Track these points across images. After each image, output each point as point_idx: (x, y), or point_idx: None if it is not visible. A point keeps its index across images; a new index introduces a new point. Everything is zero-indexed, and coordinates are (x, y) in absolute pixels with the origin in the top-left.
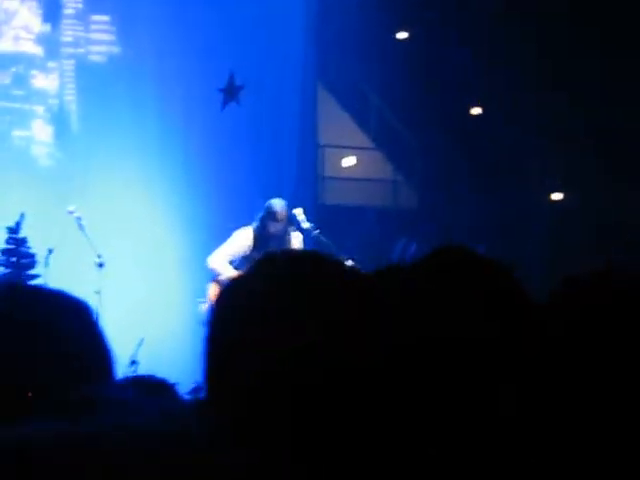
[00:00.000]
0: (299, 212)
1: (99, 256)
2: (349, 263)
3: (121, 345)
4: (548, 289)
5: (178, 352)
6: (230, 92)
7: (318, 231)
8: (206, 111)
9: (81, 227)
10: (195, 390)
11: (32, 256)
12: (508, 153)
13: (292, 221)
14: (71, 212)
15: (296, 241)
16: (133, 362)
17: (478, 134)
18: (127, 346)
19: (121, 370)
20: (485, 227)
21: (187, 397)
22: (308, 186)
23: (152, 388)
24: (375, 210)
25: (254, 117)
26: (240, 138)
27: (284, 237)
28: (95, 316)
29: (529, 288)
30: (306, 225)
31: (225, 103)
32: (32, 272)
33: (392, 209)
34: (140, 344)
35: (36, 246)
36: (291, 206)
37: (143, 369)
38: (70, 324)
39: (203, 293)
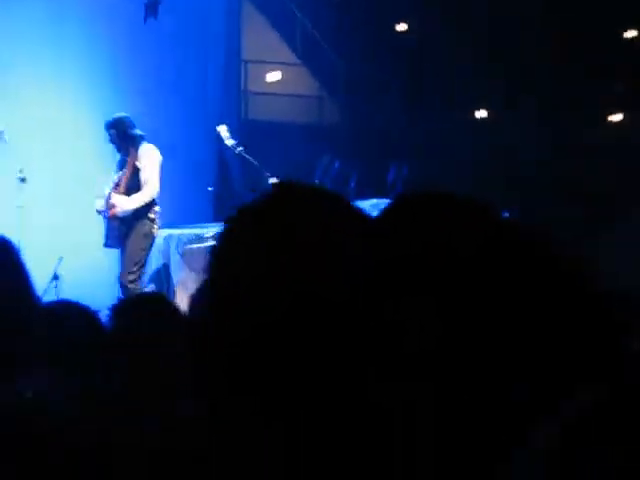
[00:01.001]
0: (223, 129)
1: (21, 170)
2: (272, 180)
3: (42, 261)
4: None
5: (97, 268)
6: (152, 7)
7: (242, 148)
8: (131, 27)
9: (3, 141)
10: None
11: None
12: (435, 72)
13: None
14: None
15: (145, 154)
16: (55, 277)
17: (405, 52)
18: (48, 262)
19: (43, 285)
20: (408, 145)
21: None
22: (232, 102)
23: (75, 314)
24: (299, 126)
25: (179, 33)
26: (165, 54)
27: (123, 152)
28: (16, 250)
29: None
30: (230, 142)
31: (147, 17)
32: None
33: (316, 125)
34: (60, 261)
35: None
36: (216, 122)
37: (63, 284)
38: None
39: None
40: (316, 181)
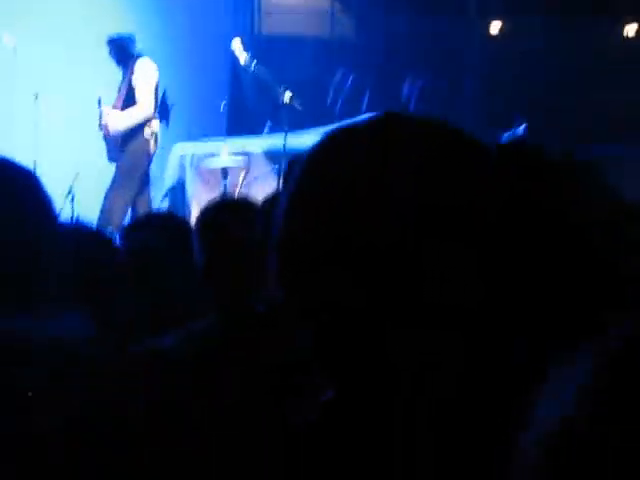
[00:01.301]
0: (237, 42)
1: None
2: (287, 95)
3: (58, 177)
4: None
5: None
6: None
7: (255, 62)
8: None
9: (15, 55)
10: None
11: None
12: None
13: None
14: (6, 42)
15: (139, 70)
16: (69, 193)
17: None
18: (64, 178)
19: (59, 201)
20: (423, 57)
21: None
22: (245, 16)
23: (87, 237)
24: (313, 40)
25: None
26: None
27: (123, 68)
28: (36, 179)
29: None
30: (244, 56)
31: None
32: None
33: (330, 39)
34: (75, 178)
35: None
36: (228, 36)
37: (80, 200)
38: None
39: None
40: (329, 96)
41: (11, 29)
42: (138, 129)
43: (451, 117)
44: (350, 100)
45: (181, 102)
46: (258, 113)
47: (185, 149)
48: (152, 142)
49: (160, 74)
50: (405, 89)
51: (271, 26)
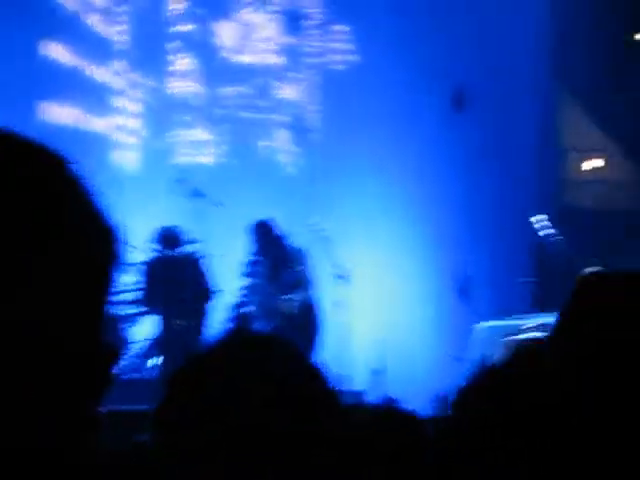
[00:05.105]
0: (542, 218)
1: (337, 268)
2: (594, 269)
3: (366, 353)
4: None
5: (423, 356)
6: (458, 103)
7: (560, 237)
8: (439, 121)
9: (321, 239)
10: (440, 398)
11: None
12: None
13: None
14: (311, 225)
15: None
16: (377, 372)
17: None
18: (371, 354)
19: (364, 378)
20: None
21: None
22: (550, 189)
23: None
24: (620, 213)
25: (488, 125)
26: (473, 146)
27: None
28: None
29: None
30: (549, 231)
31: (453, 113)
32: None
33: (634, 212)
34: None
35: None
36: (534, 209)
37: (389, 377)
38: None
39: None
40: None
41: (319, 210)
42: None
43: None
44: None
45: (482, 279)
46: (565, 288)
47: (489, 325)
48: None
49: (463, 250)
50: None
51: (575, 198)
